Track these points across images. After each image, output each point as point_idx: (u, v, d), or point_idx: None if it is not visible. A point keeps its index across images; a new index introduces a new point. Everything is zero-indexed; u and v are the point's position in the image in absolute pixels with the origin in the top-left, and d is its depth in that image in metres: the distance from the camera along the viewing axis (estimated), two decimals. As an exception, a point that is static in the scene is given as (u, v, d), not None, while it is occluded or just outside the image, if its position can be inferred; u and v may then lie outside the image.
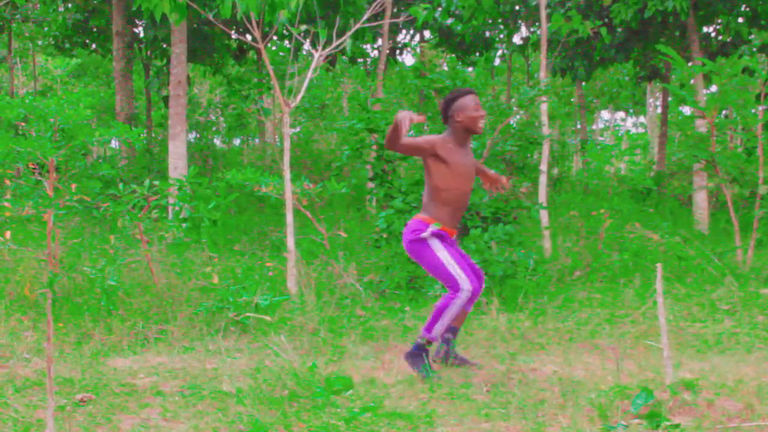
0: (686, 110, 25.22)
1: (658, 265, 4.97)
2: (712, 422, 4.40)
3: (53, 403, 3.79)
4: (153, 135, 21.83)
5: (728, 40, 17.03)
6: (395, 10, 17.47)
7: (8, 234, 8.57)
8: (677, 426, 4.30)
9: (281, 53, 23.04)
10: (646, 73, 20.68)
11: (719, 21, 16.36)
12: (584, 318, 7.91)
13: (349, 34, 9.25)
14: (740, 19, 15.13)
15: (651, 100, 35.54)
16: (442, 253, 5.64)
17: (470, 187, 5.83)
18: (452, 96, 5.74)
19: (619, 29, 16.87)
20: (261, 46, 8.85)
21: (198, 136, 23.29)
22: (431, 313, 5.70)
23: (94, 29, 20.09)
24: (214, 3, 11.07)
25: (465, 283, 5.58)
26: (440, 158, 5.66)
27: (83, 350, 6.42)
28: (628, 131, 41.51)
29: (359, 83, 29.86)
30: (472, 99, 5.70)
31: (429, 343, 5.72)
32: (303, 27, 9.02)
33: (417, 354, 5.73)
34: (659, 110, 27.95)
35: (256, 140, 28.65)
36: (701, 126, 14.04)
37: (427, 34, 21.09)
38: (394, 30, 19.50)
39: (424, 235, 5.65)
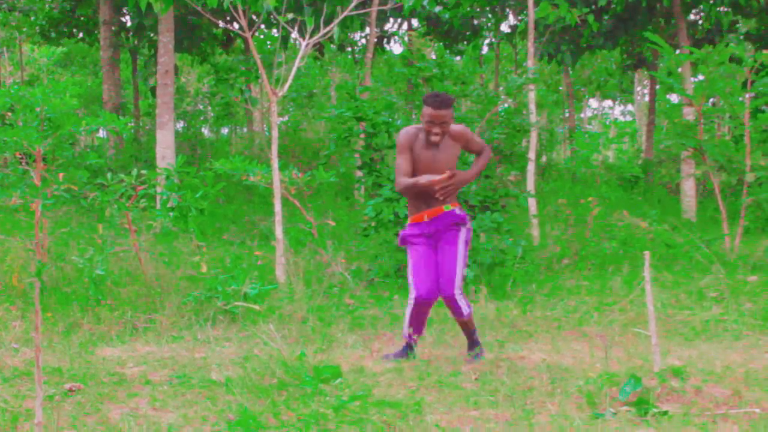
0: (674, 98, 25.26)
1: (646, 252, 4.99)
2: (700, 409, 4.42)
3: (42, 392, 3.78)
4: (141, 124, 21.73)
5: (713, 26, 17.06)
6: (383, -3, 17.41)
7: (-5, 224, 8.54)
8: (665, 413, 4.32)
9: (269, 42, 22.94)
10: (633, 61, 20.68)
11: (702, 9, 16.40)
12: (572, 306, 7.94)
13: (336, 22, 9.23)
14: (723, 9, 15.16)
15: (639, 89, 35.58)
16: (409, 262, 5.84)
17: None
18: (423, 97, 5.69)
19: (606, 16, 16.86)
20: (248, 34, 8.82)
21: (186, 125, 23.19)
22: None
23: (81, 18, 19.96)
24: (200, -9, 11.02)
25: (412, 293, 5.76)
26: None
27: (71, 340, 6.40)
28: (616, 119, 41.52)
29: (347, 72, 29.76)
30: (426, 111, 5.57)
31: (407, 342, 5.92)
32: (290, 15, 9.00)
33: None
34: (647, 98, 27.99)
35: (244, 129, 28.54)
36: (689, 114, 14.07)
37: (414, 22, 21.03)
38: (382, 18, 19.43)
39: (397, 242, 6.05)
